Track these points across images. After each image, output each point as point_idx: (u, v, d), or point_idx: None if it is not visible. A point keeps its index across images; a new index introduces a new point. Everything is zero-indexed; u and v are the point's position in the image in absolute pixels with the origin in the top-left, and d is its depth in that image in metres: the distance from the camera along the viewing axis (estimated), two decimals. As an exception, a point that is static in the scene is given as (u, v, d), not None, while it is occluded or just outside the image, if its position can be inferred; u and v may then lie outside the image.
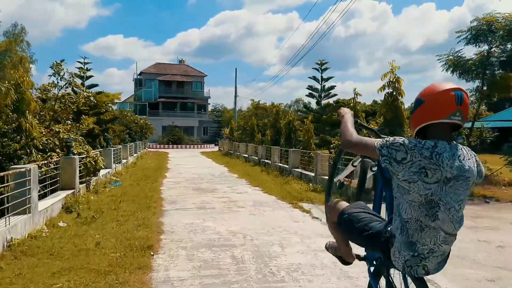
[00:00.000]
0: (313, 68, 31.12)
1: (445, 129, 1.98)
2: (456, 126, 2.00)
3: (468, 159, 1.98)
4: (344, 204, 2.45)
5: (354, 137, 2.11)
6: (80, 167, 9.33)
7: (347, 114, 2.34)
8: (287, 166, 15.62)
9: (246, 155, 24.23)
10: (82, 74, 17.20)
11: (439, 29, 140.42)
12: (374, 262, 2.52)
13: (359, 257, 2.59)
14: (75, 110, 16.22)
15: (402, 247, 1.98)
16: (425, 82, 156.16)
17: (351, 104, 12.70)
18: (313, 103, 32.69)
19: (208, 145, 48.62)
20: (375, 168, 2.54)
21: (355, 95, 12.63)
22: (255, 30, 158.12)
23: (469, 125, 14.95)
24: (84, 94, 14.13)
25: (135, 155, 23.41)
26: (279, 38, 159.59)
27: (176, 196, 9.98)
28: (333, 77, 35.19)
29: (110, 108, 23.08)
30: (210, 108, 65.69)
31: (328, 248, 2.76)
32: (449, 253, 2.08)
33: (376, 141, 1.99)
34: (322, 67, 30.87)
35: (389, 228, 2.09)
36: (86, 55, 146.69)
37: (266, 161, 18.96)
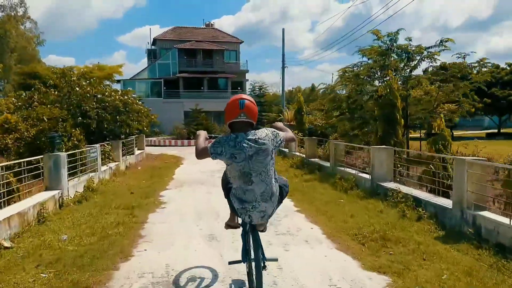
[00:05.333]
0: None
1: (240, 125, 3.06)
2: (249, 122, 3.07)
3: (264, 137, 3.03)
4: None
5: (199, 148, 3.16)
6: None
7: (201, 132, 3.38)
8: None
9: (388, 180, 7.41)
10: None
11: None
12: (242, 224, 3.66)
13: (240, 225, 3.70)
14: None
15: (236, 203, 3.16)
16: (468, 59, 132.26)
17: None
18: None
19: (250, 137, 31.65)
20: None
21: None
22: (289, 14, 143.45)
23: None
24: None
25: (51, 194, 7.05)
26: (313, 21, 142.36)
27: None
28: None
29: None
30: (248, 85, 48.15)
31: (226, 225, 3.79)
32: (272, 213, 3.20)
33: (209, 145, 3.08)
34: None
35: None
36: (122, 46, 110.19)
37: None
